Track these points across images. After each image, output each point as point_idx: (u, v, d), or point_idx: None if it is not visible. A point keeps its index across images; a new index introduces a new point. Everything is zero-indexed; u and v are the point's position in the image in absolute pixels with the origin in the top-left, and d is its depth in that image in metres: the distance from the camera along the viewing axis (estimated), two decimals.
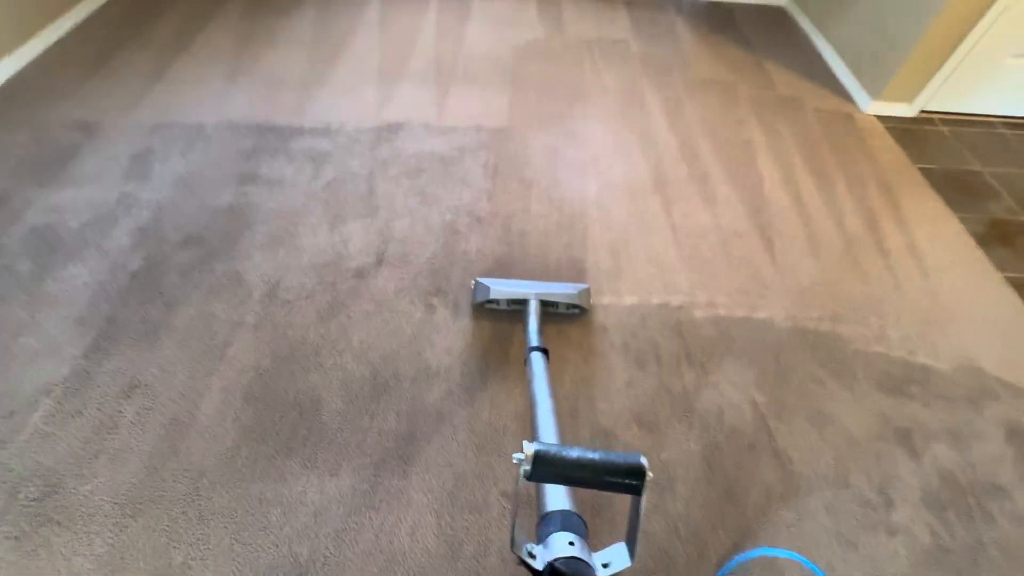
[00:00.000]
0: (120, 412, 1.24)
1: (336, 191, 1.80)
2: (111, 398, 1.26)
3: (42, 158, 1.83)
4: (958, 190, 2.03)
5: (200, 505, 1.11)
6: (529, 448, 0.58)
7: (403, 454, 1.21)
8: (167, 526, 1.08)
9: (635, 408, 1.33)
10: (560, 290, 1.45)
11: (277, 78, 2.27)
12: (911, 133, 2.28)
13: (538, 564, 0.57)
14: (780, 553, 1.10)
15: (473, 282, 1.50)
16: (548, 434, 0.85)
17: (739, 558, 1.09)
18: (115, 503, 1.10)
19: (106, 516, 1.08)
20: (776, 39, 2.82)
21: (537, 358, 1.15)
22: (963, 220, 1.90)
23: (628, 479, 0.57)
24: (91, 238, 1.59)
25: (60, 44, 2.35)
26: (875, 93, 2.33)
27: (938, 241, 1.81)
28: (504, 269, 1.61)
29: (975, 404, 1.38)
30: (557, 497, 0.66)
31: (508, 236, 1.71)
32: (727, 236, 1.77)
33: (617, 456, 0.58)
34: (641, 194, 1.89)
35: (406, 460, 1.20)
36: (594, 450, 0.59)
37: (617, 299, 1.56)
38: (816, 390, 1.40)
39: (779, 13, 3.07)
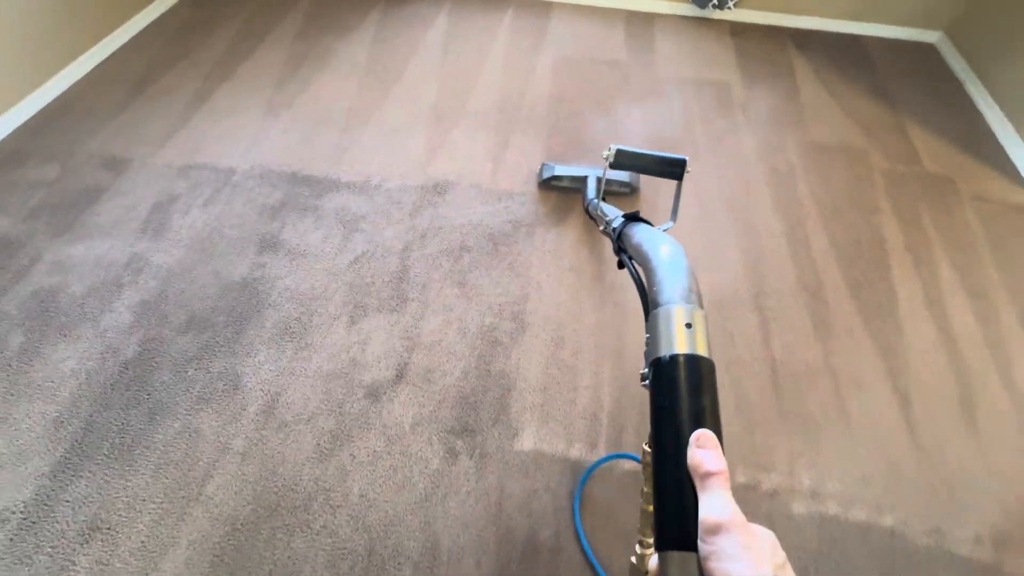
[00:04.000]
0: (72, 563, 1.04)
1: (363, 270, 1.53)
2: (67, 541, 1.07)
3: (64, 199, 1.68)
4: None
5: None
6: (614, 146, 0.91)
7: None
8: None
9: None
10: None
11: (322, 111, 2.03)
12: None
13: (615, 223, 0.80)
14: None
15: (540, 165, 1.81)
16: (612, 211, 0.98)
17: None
18: None
19: None
20: (924, 90, 2.27)
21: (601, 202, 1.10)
22: None
23: (675, 167, 0.88)
24: (91, 310, 1.42)
25: (110, 61, 2.23)
26: None
27: None
28: (553, 408, 1.28)
29: None
30: (617, 212, 0.89)
31: (558, 354, 1.38)
32: (845, 386, 1.35)
33: (669, 154, 0.89)
34: (732, 307, 1.50)
35: None
36: (652, 150, 0.91)
37: None
38: None
39: (928, 53, 2.48)
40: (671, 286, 0.47)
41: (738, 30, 2.54)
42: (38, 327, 1.38)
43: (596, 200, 1.10)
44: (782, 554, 0.30)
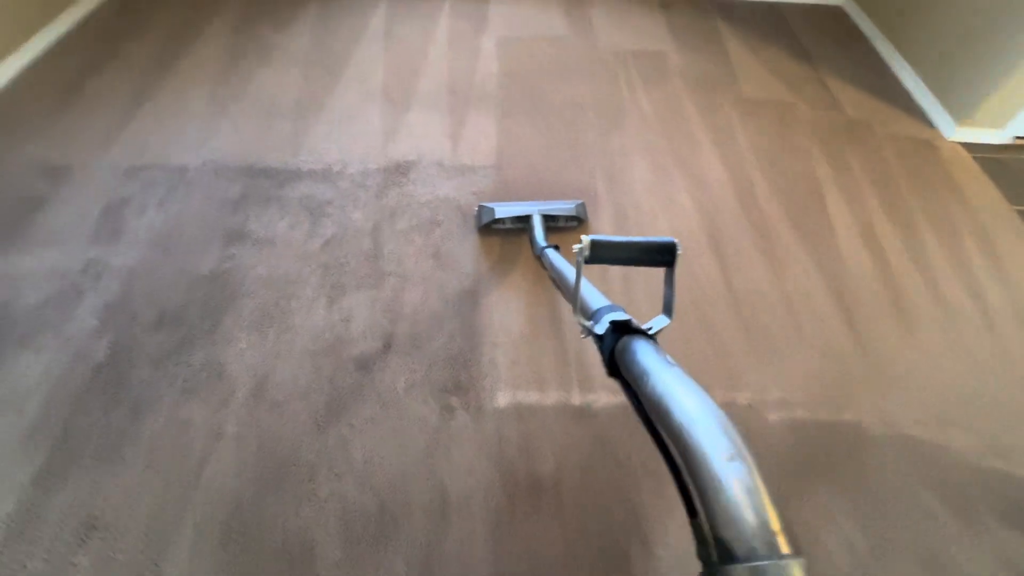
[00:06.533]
0: (73, 565, 1.01)
1: (336, 252, 1.54)
2: (63, 543, 1.03)
3: (2, 213, 1.59)
4: None
5: None
6: (587, 238, 0.66)
7: None
8: None
9: None
10: (558, 205, 1.58)
11: (271, 103, 2.00)
12: (1004, 165, 1.95)
13: (599, 328, 0.64)
14: None
15: (476, 207, 1.62)
16: (592, 295, 0.78)
17: None
18: None
19: None
20: (837, 48, 2.48)
21: (552, 252, 1.16)
22: None
23: (664, 254, 0.65)
24: (51, 319, 1.36)
25: (33, 69, 2.10)
26: (961, 116, 2.00)
27: None
28: (537, 356, 1.34)
29: None
30: (600, 300, 0.72)
31: (536, 311, 1.44)
32: (798, 306, 1.49)
33: (654, 239, 0.66)
34: (692, 251, 1.61)
35: None
36: (634, 237, 0.67)
37: None
38: (926, 525, 1.13)
39: (837, 15, 2.71)
40: (743, 514, 0.33)
41: (667, 4, 2.68)
42: None
43: (550, 251, 1.14)
44: None
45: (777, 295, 1.51)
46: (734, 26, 2.57)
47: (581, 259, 0.67)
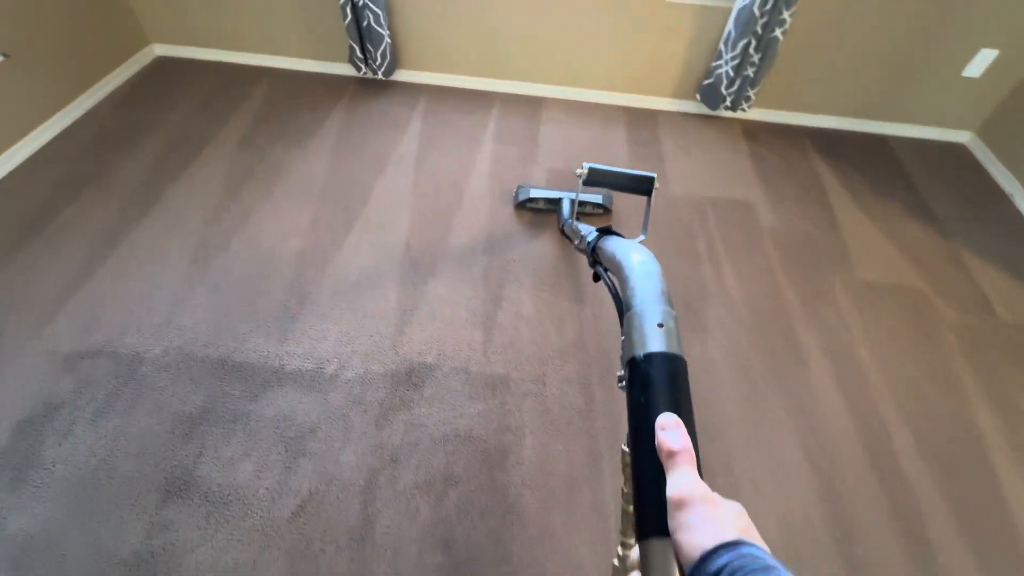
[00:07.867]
0: None
1: (311, 527, 1.10)
2: None
3: None
4: None
5: None
6: (587, 165, 1.06)
7: None
8: None
9: None
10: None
11: (266, 257, 1.62)
12: None
13: (590, 237, 0.84)
14: None
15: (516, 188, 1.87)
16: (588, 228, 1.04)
17: None
18: None
19: None
20: (968, 204, 2.00)
21: (573, 221, 1.25)
22: None
23: (645, 183, 1.05)
24: None
25: (5, 184, 1.79)
26: None
27: None
28: None
29: None
30: (590, 230, 0.92)
31: None
32: None
33: (639, 172, 1.05)
34: (808, 557, 1.12)
35: None
36: (623, 168, 1.07)
37: None
38: None
39: (960, 155, 2.24)
40: (643, 289, 0.49)
41: (751, 131, 2.26)
42: None
43: (571, 220, 1.24)
44: (747, 520, 0.31)
45: None
46: (835, 166, 2.12)
47: (580, 181, 1.09)
